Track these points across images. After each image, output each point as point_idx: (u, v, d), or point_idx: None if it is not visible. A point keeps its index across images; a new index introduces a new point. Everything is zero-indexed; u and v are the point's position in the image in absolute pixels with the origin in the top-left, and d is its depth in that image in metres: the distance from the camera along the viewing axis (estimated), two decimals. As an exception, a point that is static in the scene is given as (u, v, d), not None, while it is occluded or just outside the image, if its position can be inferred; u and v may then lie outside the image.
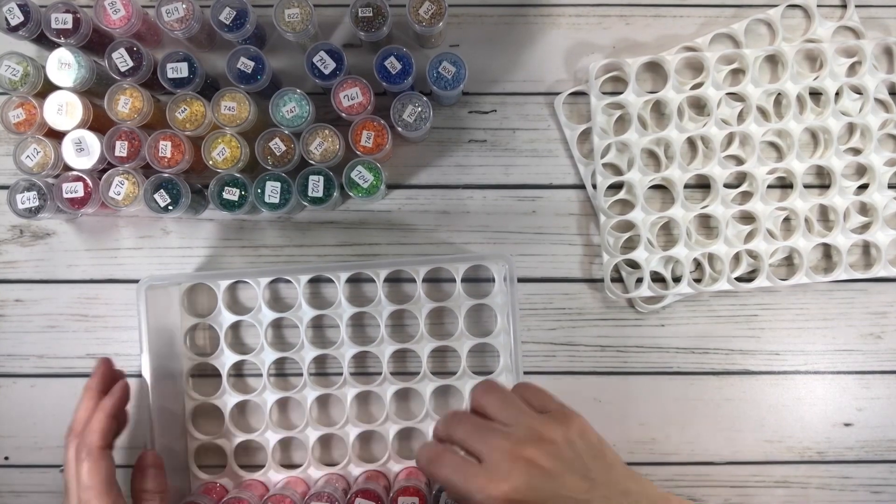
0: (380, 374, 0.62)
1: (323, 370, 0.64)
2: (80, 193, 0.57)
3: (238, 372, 0.64)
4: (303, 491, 0.60)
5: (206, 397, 0.62)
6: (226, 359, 0.62)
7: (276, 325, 0.64)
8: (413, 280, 0.62)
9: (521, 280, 0.63)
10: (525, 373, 0.62)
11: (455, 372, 0.62)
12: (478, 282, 0.63)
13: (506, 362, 0.62)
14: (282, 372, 0.64)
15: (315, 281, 0.64)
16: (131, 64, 0.57)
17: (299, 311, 0.62)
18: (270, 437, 0.62)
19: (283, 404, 0.64)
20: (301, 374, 0.62)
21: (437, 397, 0.63)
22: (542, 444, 0.40)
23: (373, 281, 0.62)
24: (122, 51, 0.57)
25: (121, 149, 0.57)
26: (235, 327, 0.64)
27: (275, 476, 0.62)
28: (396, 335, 0.63)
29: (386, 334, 0.61)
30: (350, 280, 0.63)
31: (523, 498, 0.38)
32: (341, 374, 0.62)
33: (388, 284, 0.63)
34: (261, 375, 0.62)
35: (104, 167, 0.58)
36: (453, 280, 0.61)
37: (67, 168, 0.58)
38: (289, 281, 0.63)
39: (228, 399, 0.62)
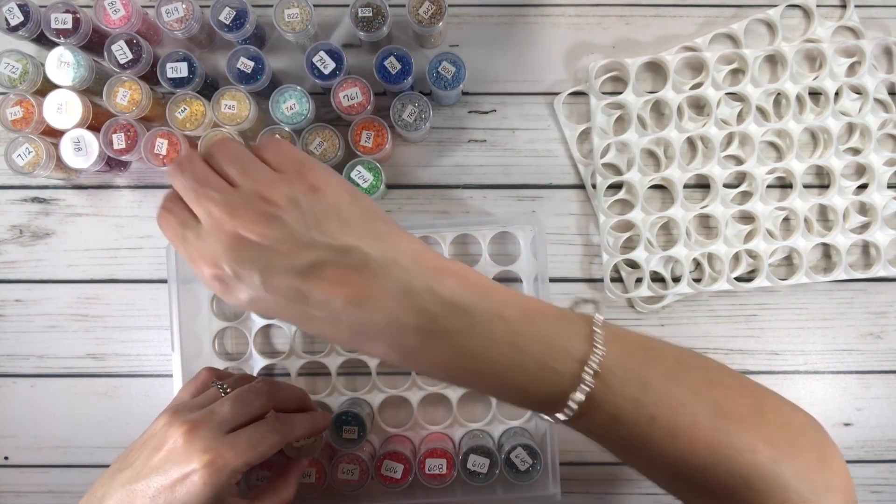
0: None
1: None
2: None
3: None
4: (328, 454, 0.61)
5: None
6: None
7: None
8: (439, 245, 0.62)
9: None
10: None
11: None
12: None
13: None
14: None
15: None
16: (131, 56, 0.58)
17: None
18: None
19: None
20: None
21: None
22: (259, 206, 0.36)
23: None
24: (122, 43, 0.57)
25: (118, 141, 0.58)
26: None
27: None
28: None
29: None
30: None
31: (232, 273, 0.36)
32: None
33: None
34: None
35: (101, 168, 0.59)
36: (479, 247, 0.62)
37: (59, 167, 0.58)
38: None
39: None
